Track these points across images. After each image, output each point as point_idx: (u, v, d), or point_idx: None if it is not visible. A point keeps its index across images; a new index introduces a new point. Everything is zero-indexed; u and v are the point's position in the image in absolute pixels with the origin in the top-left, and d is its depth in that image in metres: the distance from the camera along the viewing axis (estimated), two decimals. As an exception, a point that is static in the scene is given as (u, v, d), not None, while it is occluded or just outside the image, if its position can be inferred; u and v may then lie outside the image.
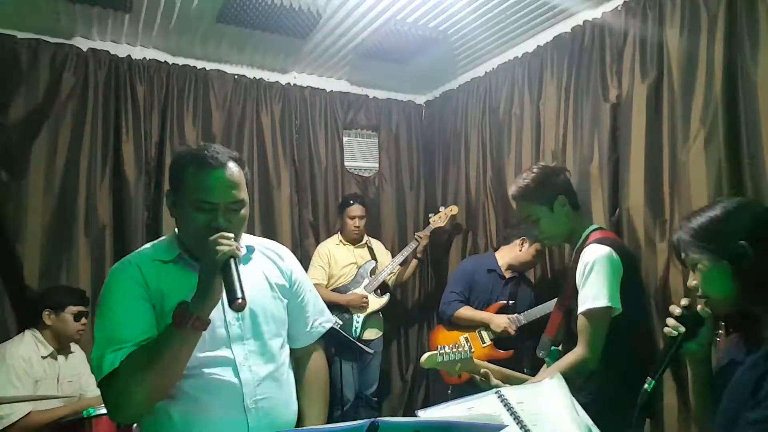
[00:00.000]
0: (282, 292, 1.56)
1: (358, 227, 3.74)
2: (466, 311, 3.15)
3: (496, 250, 3.34)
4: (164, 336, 1.27)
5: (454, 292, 3.25)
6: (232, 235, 1.31)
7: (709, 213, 1.28)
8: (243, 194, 1.43)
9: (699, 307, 1.29)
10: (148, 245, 1.51)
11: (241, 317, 1.43)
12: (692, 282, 1.30)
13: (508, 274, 3.17)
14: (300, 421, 1.57)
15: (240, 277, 1.24)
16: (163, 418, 1.36)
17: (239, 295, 1.21)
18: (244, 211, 1.45)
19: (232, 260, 1.25)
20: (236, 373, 1.40)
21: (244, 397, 1.39)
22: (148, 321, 1.34)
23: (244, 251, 1.52)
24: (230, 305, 1.22)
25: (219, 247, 1.25)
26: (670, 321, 1.30)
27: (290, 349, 1.60)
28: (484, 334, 3.08)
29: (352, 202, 3.76)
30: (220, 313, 1.38)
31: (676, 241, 1.33)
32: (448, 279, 3.54)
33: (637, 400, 1.30)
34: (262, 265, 1.57)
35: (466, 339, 3.11)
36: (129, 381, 1.24)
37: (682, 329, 1.28)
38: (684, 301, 1.31)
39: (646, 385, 1.28)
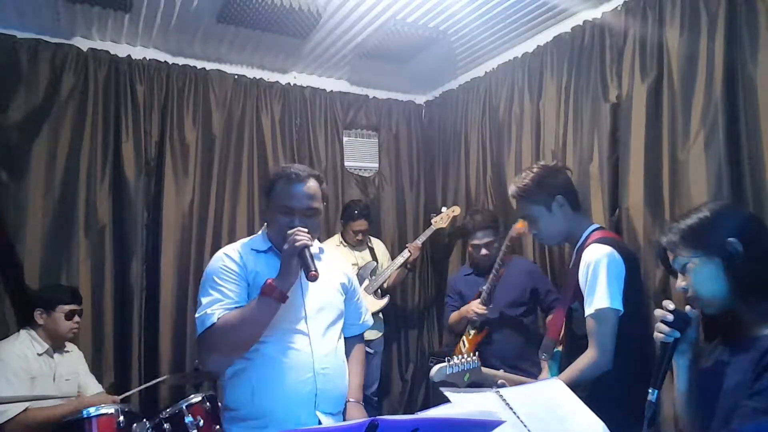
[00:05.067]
0: (342, 288, 1.95)
1: (360, 240, 3.77)
2: (453, 315, 3.19)
3: None
4: (253, 303, 1.67)
5: (448, 304, 3.31)
6: (306, 229, 1.68)
7: (696, 215, 1.30)
8: (317, 204, 1.80)
9: (687, 308, 1.29)
10: (246, 239, 1.92)
11: (313, 302, 1.81)
12: (681, 283, 1.31)
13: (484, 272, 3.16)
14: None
15: (313, 259, 1.63)
16: (245, 376, 1.72)
17: (312, 268, 1.60)
18: (318, 220, 1.83)
19: (305, 249, 1.63)
20: (310, 344, 1.75)
21: (314, 363, 1.73)
22: (242, 293, 1.74)
23: (316, 248, 1.84)
24: (306, 277, 1.62)
25: (297, 237, 1.64)
26: (663, 327, 1.29)
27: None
28: (468, 327, 3.09)
29: (356, 214, 3.71)
30: (299, 297, 1.78)
31: (664, 244, 1.34)
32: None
33: (640, 403, 1.29)
34: (329, 265, 1.93)
35: (462, 341, 3.10)
36: (223, 333, 1.66)
37: (678, 335, 1.27)
38: (670, 306, 1.30)
39: (650, 396, 1.27)
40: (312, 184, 1.79)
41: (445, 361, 1.86)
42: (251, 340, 1.69)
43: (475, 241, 3.07)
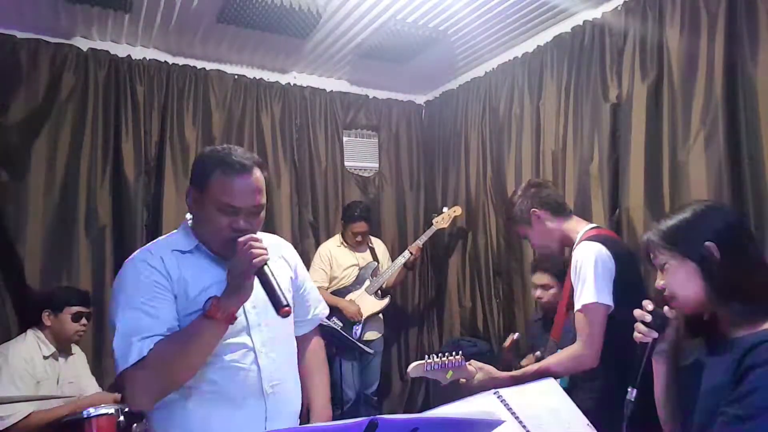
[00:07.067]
0: (290, 284, 1.63)
1: (359, 241, 3.74)
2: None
3: None
4: (195, 326, 1.33)
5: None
6: (262, 240, 1.36)
7: (679, 215, 1.30)
8: (264, 198, 1.47)
9: (665, 308, 1.29)
10: (161, 238, 1.56)
11: (256, 305, 1.46)
12: (659, 282, 1.31)
13: None
14: (309, 395, 1.67)
15: (279, 283, 1.33)
16: (178, 406, 1.40)
17: (285, 302, 1.30)
18: (263, 214, 1.49)
19: (266, 266, 1.33)
20: (255, 360, 1.45)
21: (263, 383, 1.45)
22: (171, 311, 1.39)
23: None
24: (278, 312, 1.31)
25: (254, 252, 1.31)
26: (641, 327, 1.29)
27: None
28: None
29: (356, 216, 3.67)
30: None
31: (645, 242, 1.34)
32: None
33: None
34: (272, 256, 1.55)
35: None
36: (158, 367, 1.30)
37: (656, 335, 1.28)
38: (649, 306, 1.30)
39: (628, 395, 1.27)
40: (258, 175, 1.44)
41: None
42: (195, 370, 1.36)
43: None
